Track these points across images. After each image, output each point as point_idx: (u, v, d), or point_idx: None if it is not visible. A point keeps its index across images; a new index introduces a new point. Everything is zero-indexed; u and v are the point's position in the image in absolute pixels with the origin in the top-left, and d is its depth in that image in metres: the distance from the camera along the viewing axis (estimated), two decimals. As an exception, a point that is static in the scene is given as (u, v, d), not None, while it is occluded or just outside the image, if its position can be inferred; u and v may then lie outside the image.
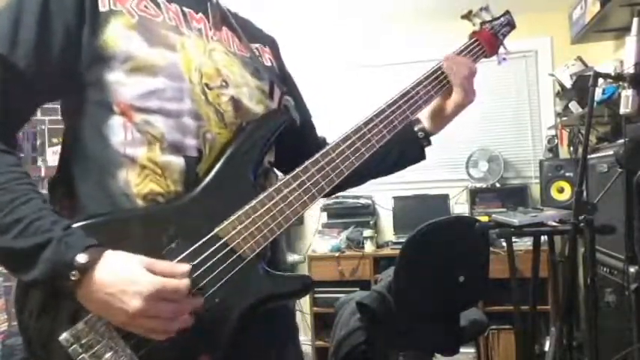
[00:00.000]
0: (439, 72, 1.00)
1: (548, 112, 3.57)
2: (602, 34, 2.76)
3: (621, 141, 1.69)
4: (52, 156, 2.72)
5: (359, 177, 1.04)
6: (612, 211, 1.90)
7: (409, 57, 3.66)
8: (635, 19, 2.15)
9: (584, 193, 2.07)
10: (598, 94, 2.32)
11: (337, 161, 0.85)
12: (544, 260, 2.59)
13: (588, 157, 1.91)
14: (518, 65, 3.63)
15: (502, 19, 1.12)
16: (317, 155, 0.85)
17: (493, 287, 2.75)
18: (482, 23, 1.10)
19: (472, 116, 3.49)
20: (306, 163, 0.84)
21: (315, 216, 3.65)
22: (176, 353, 0.72)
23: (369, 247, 3.40)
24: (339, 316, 2.58)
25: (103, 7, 0.77)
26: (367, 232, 3.44)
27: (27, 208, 0.68)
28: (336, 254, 3.38)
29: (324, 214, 3.67)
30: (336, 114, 3.42)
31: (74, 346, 0.68)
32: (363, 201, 3.60)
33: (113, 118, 0.77)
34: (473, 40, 1.08)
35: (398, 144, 1.02)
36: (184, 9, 0.85)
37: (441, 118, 1.05)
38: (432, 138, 1.10)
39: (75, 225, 0.70)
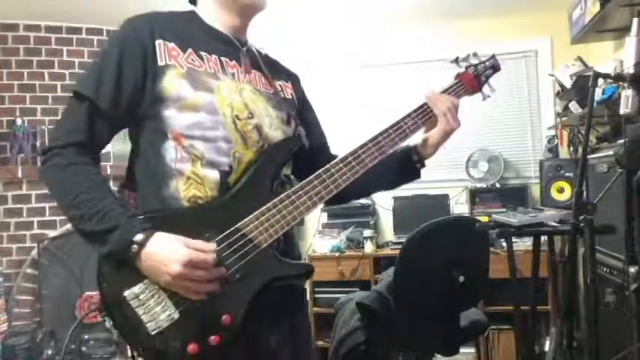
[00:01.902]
0: (425, 106, 1.23)
1: (548, 112, 3.58)
2: (602, 34, 2.75)
3: (621, 141, 1.69)
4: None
5: (364, 191, 1.35)
6: (612, 211, 1.90)
7: (410, 57, 3.66)
8: (635, 19, 2.15)
9: (584, 193, 2.07)
10: (598, 94, 2.32)
11: (336, 176, 1.10)
12: (544, 260, 2.59)
13: (588, 157, 1.91)
14: (518, 65, 3.63)
15: (487, 62, 1.35)
16: (320, 170, 1.10)
17: (493, 287, 2.75)
18: (468, 67, 1.33)
19: (472, 116, 3.48)
20: (311, 176, 1.09)
21: (315, 216, 3.66)
22: (207, 311, 0.99)
23: (369, 247, 3.41)
24: (339, 316, 2.58)
25: (161, 62, 1.05)
26: (367, 232, 3.44)
27: (103, 203, 0.99)
28: (336, 254, 3.38)
29: (325, 214, 3.67)
30: (337, 114, 3.44)
31: (134, 300, 0.98)
32: (363, 201, 3.59)
33: (168, 142, 1.05)
34: (457, 81, 1.31)
35: (397, 166, 1.27)
36: (222, 58, 1.13)
37: (431, 144, 1.26)
38: None
39: (139, 216, 1.00)
